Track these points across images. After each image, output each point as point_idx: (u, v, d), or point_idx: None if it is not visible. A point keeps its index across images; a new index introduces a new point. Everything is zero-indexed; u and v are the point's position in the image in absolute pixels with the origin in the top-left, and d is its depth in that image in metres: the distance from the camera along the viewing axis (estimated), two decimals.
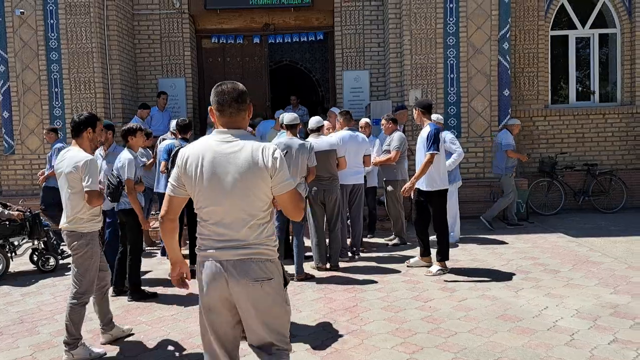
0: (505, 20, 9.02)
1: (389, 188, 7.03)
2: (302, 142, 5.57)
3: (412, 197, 6.32)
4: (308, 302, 4.86)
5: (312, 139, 5.92)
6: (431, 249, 5.90)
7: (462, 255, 6.54)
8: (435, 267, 5.75)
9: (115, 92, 9.26)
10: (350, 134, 6.36)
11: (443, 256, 5.71)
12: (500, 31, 9.01)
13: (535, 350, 3.66)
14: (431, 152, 5.63)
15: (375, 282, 5.45)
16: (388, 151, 7.06)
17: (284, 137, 5.72)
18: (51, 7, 8.87)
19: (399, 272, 5.81)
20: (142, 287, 5.18)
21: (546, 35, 10.00)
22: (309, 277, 5.64)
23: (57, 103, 9.03)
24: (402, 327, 4.16)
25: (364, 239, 7.03)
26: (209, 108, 2.52)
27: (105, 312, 4.10)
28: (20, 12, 8.76)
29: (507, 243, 7.16)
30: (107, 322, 4.10)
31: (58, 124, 8.99)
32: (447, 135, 7.01)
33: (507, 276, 5.54)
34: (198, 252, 2.45)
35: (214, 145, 2.38)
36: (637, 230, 7.98)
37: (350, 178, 6.34)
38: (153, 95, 9.87)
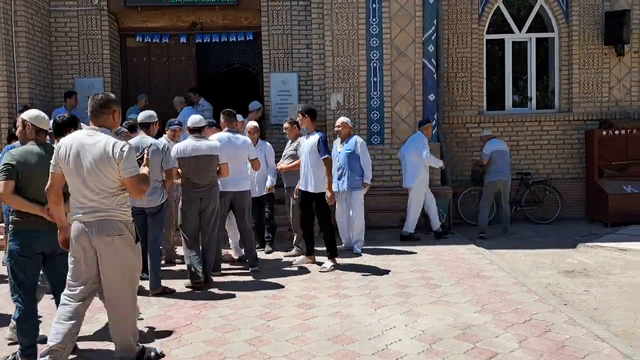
0: (430, 22, 8.65)
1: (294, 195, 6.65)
2: (154, 141, 5.20)
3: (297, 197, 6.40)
4: (146, 319, 4.41)
5: (190, 141, 5.49)
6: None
7: (355, 265, 6.14)
8: (329, 262, 5.99)
9: (22, 91, 8.80)
10: (229, 135, 5.93)
11: (332, 252, 6.04)
12: (424, 33, 8.63)
13: None
14: (327, 156, 5.95)
15: (234, 296, 5.02)
16: (293, 157, 6.70)
17: (138, 137, 5.35)
18: None
19: (274, 287, 5.34)
20: None
21: (480, 39, 9.63)
22: (166, 292, 5.17)
23: None
24: (215, 351, 3.71)
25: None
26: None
27: None
28: None
29: (413, 253, 6.76)
30: None
31: None
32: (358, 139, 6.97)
33: (381, 290, 5.12)
34: (71, 217, 3.31)
35: (81, 137, 3.27)
36: (560, 242, 7.60)
37: (230, 185, 5.90)
38: None
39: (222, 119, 6.11)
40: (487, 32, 9.77)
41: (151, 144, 5.02)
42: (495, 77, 10.19)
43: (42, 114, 3.81)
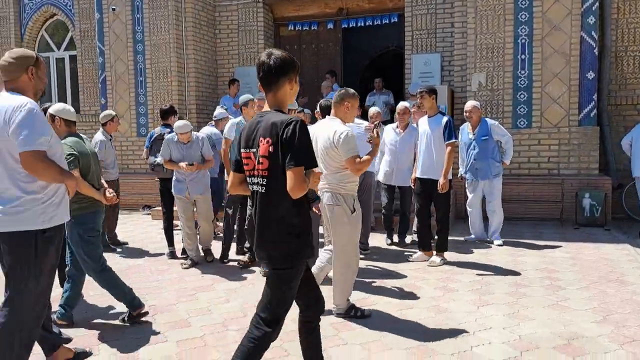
0: None
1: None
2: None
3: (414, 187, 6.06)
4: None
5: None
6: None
7: (475, 259, 5.83)
8: (437, 258, 5.68)
9: (190, 80, 9.95)
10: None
11: (443, 247, 5.69)
12: (584, 3, 7.64)
13: None
14: (454, 140, 5.61)
15: None
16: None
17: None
18: (138, 3, 9.83)
19: (381, 275, 5.37)
20: None
21: None
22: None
23: (141, 91, 10.02)
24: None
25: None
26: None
27: None
28: (113, 8, 9.88)
29: (550, 249, 6.18)
30: None
31: (142, 110, 10.01)
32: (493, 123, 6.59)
33: (494, 287, 4.80)
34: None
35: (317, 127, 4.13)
36: None
37: None
38: None
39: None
40: None
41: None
42: None
43: (68, 106, 4.03)
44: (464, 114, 6.59)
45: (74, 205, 3.65)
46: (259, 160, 2.48)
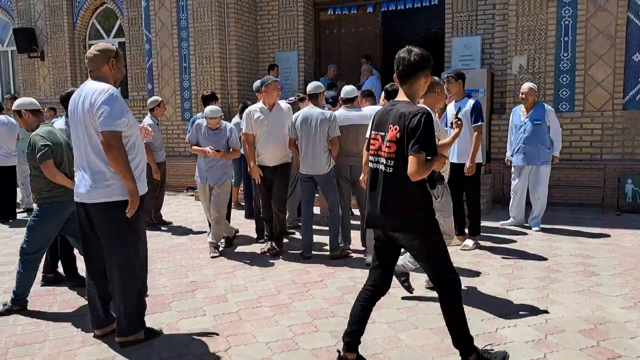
0: None
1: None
2: (322, 111, 5.45)
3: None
4: (291, 270, 5.00)
5: (342, 111, 5.73)
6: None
7: (514, 241, 5.85)
8: (470, 241, 5.75)
9: (232, 66, 10.21)
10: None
11: (477, 230, 5.77)
12: None
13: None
14: (482, 123, 5.62)
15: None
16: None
17: (307, 107, 5.63)
18: None
19: None
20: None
21: None
22: (344, 255, 5.45)
23: (185, 76, 10.36)
24: (328, 308, 4.07)
25: None
26: None
27: None
28: None
29: (588, 236, 6.12)
30: None
31: (186, 95, 10.36)
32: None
33: (525, 272, 4.84)
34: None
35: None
36: None
37: None
38: None
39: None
40: None
41: (319, 114, 5.37)
42: None
43: (29, 99, 4.31)
44: (520, 95, 6.49)
45: (47, 193, 3.97)
46: (386, 144, 2.83)
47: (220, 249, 5.77)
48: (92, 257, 3.41)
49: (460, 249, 5.66)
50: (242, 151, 5.91)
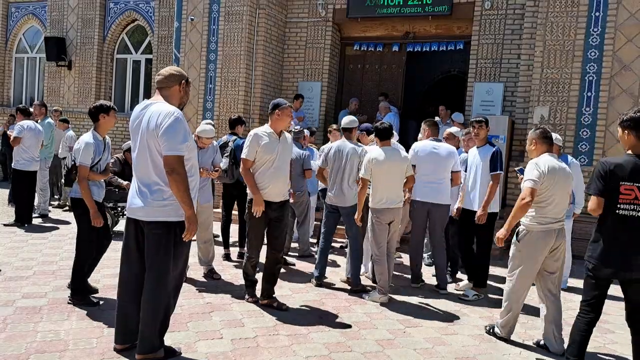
0: None
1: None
2: (354, 146, 5.52)
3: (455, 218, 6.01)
4: (305, 300, 5.00)
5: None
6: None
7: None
8: (472, 291, 5.57)
9: (256, 91, 10.39)
10: (433, 144, 5.78)
11: (482, 282, 5.65)
12: None
13: None
14: (500, 172, 5.56)
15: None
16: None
17: (340, 141, 5.67)
18: (215, 15, 10.38)
19: (429, 295, 5.47)
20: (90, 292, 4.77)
21: None
22: (362, 290, 5.43)
23: (209, 97, 10.54)
24: (344, 343, 4.07)
25: None
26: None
27: None
28: (191, 18, 10.47)
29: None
30: None
31: (208, 115, 10.52)
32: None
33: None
34: None
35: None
36: None
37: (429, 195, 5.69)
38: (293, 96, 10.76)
39: (425, 127, 5.98)
40: None
41: (351, 149, 5.49)
42: None
43: None
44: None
45: None
46: None
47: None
48: (130, 276, 3.43)
49: (455, 290, 5.70)
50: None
